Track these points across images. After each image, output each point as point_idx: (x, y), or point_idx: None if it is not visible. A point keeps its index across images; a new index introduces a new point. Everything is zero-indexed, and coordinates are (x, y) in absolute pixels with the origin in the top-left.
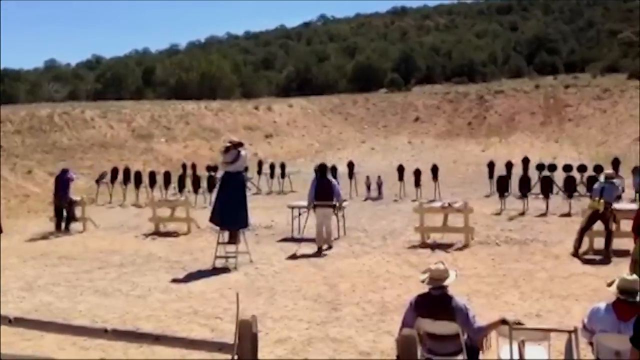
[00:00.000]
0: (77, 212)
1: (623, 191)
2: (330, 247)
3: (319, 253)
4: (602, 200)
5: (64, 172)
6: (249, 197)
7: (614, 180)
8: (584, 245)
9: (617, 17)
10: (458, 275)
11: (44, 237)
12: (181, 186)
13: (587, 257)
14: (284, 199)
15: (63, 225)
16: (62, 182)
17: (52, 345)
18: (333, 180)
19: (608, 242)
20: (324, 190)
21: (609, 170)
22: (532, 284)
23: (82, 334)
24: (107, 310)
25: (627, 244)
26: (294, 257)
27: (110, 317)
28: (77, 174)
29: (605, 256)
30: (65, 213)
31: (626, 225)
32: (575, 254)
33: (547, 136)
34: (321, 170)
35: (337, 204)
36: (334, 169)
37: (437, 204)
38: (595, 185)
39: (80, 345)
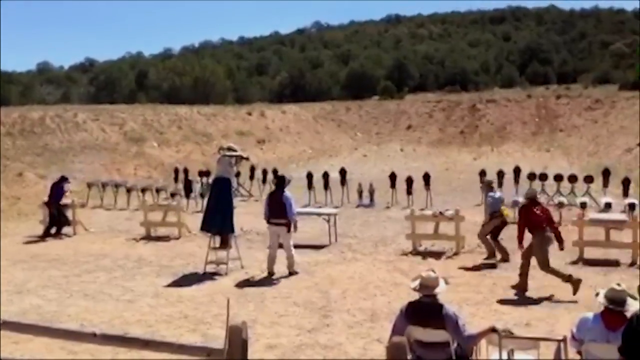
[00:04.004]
0: (68, 215)
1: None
2: (291, 274)
3: (269, 278)
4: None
5: (62, 179)
6: (240, 203)
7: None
8: (574, 255)
9: (609, 29)
10: (448, 284)
11: (35, 240)
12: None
13: (577, 266)
14: None
15: (54, 228)
16: (58, 190)
17: (41, 348)
18: (287, 194)
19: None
20: (276, 206)
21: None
22: (522, 293)
23: (70, 338)
24: (96, 314)
25: (617, 254)
26: (284, 263)
27: (100, 321)
28: (69, 183)
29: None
30: (57, 216)
31: (616, 235)
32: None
33: (538, 146)
34: (277, 183)
35: (291, 222)
36: (325, 175)
37: (429, 212)
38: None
39: (69, 349)
